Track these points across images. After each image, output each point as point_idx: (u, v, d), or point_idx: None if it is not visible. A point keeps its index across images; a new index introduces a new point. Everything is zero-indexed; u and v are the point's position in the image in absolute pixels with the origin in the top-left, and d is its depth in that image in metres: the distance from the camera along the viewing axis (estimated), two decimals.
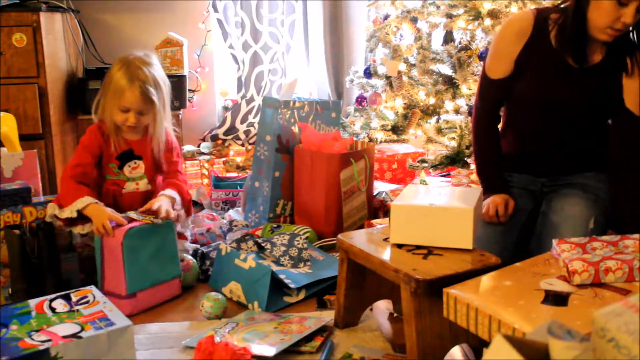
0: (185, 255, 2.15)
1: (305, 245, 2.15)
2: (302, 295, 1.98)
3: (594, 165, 1.93)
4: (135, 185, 2.17)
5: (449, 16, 2.83)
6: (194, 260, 2.15)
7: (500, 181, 1.97)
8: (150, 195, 2.18)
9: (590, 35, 1.76)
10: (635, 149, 1.85)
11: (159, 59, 2.18)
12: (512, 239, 1.91)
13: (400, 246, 1.63)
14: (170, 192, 2.12)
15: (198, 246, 2.31)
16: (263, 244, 2.11)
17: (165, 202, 2.06)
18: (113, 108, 2.06)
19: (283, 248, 2.10)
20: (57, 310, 1.55)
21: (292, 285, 1.94)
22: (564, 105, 1.85)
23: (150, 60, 2.10)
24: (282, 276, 1.95)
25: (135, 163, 2.16)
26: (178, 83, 3.10)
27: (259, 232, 2.45)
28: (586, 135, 1.90)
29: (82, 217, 2.00)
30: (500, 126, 2.06)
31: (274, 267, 1.98)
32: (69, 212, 1.98)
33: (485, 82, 1.95)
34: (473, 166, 2.71)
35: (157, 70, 2.11)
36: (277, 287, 1.95)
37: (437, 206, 1.61)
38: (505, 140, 2.02)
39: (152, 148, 2.17)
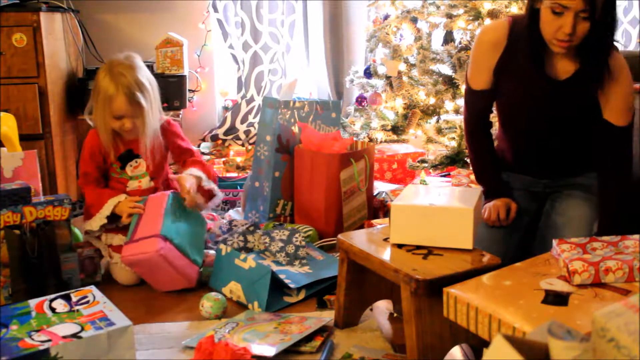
0: (210, 252, 2.17)
1: (303, 243, 2.15)
2: (302, 295, 1.98)
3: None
4: (138, 183, 2.22)
5: (449, 16, 2.83)
6: None
7: (501, 185, 1.96)
8: (153, 192, 2.23)
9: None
10: (616, 159, 1.83)
11: (140, 59, 2.19)
12: (516, 240, 1.90)
13: (400, 246, 1.63)
14: (196, 171, 2.19)
15: None
16: (263, 237, 2.12)
17: (190, 181, 2.14)
18: (107, 117, 2.10)
19: (280, 244, 2.10)
20: (57, 310, 1.55)
21: (292, 285, 1.94)
22: (545, 115, 1.83)
23: (132, 63, 2.11)
24: (282, 276, 1.95)
25: (136, 162, 2.21)
26: (178, 83, 3.10)
27: None
28: (577, 141, 1.89)
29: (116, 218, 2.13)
30: (496, 131, 2.05)
31: (274, 267, 1.98)
32: (99, 220, 2.11)
33: (469, 93, 1.95)
34: None
35: (141, 72, 2.12)
36: (277, 287, 1.95)
37: (437, 206, 1.61)
38: (501, 145, 2.01)
39: (147, 146, 2.18)
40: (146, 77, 2.13)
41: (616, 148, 1.82)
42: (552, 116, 1.83)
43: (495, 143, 2.06)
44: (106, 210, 2.10)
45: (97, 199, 2.13)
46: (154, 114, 2.16)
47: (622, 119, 1.78)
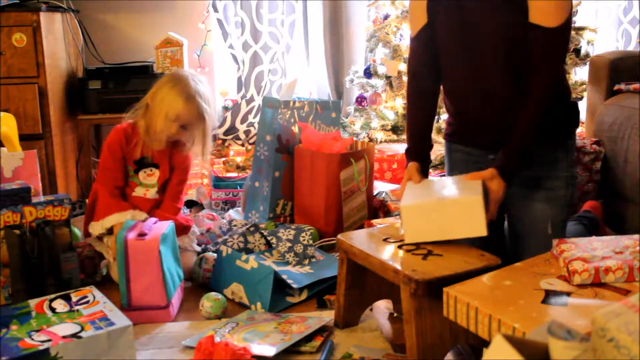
0: (210, 254, 2.14)
1: (311, 242, 2.15)
2: (304, 296, 1.98)
3: (541, 139, 1.77)
4: (145, 191, 2.22)
5: None
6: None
7: (420, 145, 1.91)
8: (156, 204, 2.22)
9: None
10: (544, 64, 1.68)
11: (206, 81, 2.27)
12: (490, 237, 1.89)
13: (400, 246, 1.63)
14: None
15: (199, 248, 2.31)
16: (269, 237, 2.11)
17: None
18: (164, 120, 2.11)
19: (288, 244, 2.10)
20: (57, 310, 1.55)
21: (294, 286, 1.94)
22: (478, 32, 1.74)
23: (203, 80, 2.21)
24: (284, 276, 1.95)
25: (151, 170, 2.21)
26: None
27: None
28: (512, 85, 1.76)
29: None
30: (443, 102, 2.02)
31: (275, 268, 1.98)
32: (100, 227, 2.09)
33: (411, 43, 1.93)
34: None
35: (209, 93, 2.21)
36: (280, 287, 1.95)
37: (447, 199, 1.61)
38: (449, 116, 1.99)
39: (170, 158, 2.22)
40: (211, 99, 2.22)
41: (545, 54, 1.65)
42: (483, 33, 1.73)
43: (447, 116, 2.02)
44: (108, 222, 2.10)
45: (106, 207, 2.13)
46: (208, 137, 2.22)
47: (551, 17, 1.59)
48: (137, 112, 2.18)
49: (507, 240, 1.93)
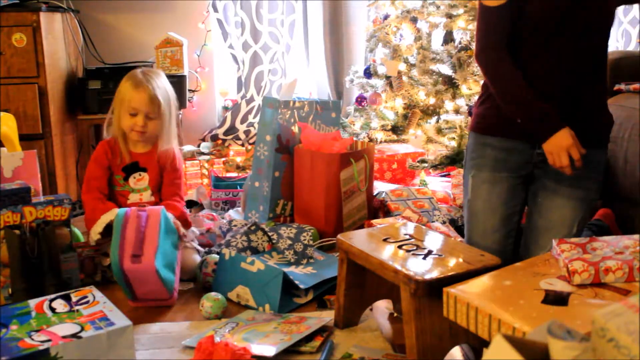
0: (213, 255, 2.13)
1: (311, 242, 2.15)
2: (310, 296, 1.97)
3: (595, 138, 1.76)
4: (139, 196, 2.24)
5: (449, 16, 2.83)
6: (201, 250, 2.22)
7: (556, 113, 1.72)
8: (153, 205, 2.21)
9: None
10: None
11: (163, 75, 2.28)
12: (513, 229, 1.89)
13: (400, 246, 1.63)
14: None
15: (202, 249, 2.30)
16: (270, 233, 2.11)
17: None
18: (123, 115, 2.16)
19: (289, 242, 2.10)
20: (57, 311, 1.55)
21: (302, 286, 1.94)
22: (577, 15, 1.72)
23: (158, 72, 2.23)
24: (290, 277, 1.95)
25: (140, 175, 2.23)
26: (178, 83, 3.10)
27: None
28: (592, 73, 1.78)
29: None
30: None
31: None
32: (94, 234, 2.09)
33: (488, 15, 1.78)
34: None
35: (164, 82, 2.22)
36: (286, 288, 1.93)
37: None
38: (484, 102, 1.90)
39: (158, 161, 2.23)
40: (168, 89, 2.23)
41: None
42: (581, 15, 1.72)
43: (483, 107, 1.91)
44: (99, 227, 2.10)
45: (92, 213, 2.14)
46: (171, 124, 2.21)
47: None
48: (110, 122, 2.22)
49: (525, 233, 1.92)
